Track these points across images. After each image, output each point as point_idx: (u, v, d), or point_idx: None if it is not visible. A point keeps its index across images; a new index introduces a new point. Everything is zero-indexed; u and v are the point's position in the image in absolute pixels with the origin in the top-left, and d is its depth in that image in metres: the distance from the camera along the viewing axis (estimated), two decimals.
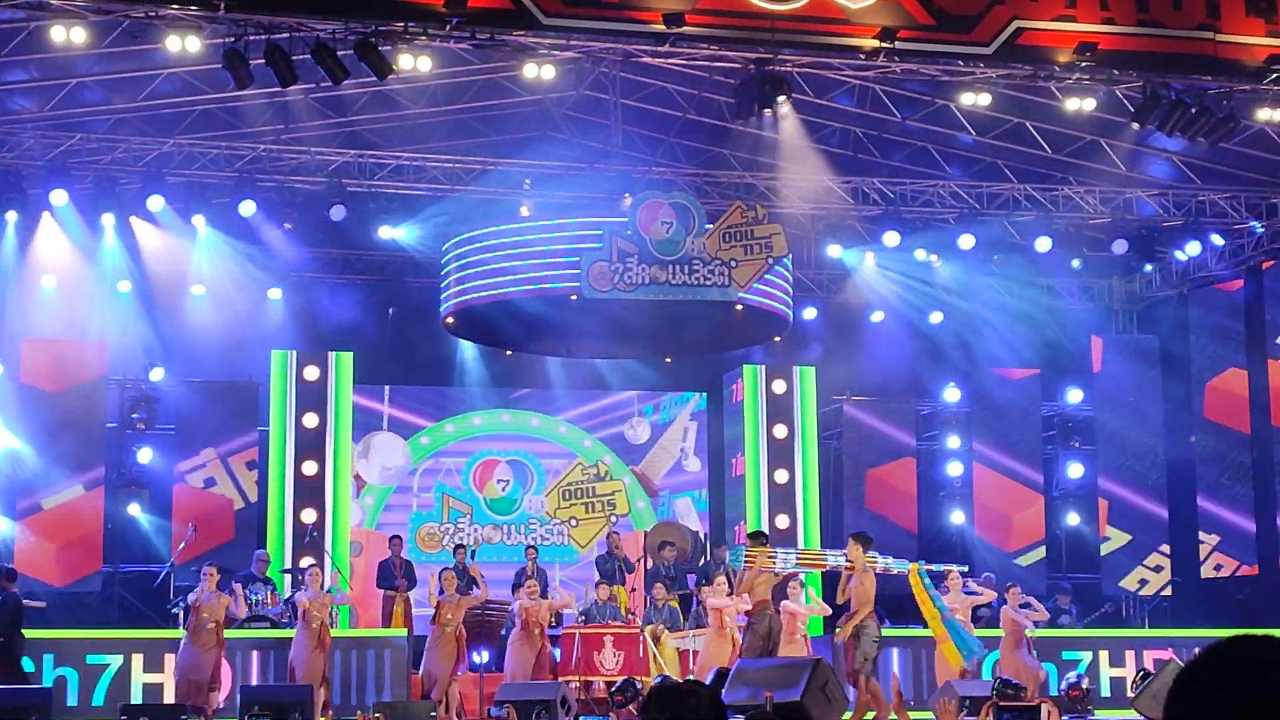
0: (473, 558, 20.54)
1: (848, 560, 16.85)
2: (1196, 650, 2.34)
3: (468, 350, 24.43)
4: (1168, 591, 24.68)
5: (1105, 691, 20.17)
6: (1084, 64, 17.44)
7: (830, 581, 20.28)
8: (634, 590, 21.04)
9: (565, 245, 20.08)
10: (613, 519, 24.51)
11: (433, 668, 18.03)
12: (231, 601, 17.84)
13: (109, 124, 21.22)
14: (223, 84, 18.31)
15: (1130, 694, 18.48)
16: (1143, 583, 24.72)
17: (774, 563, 17.08)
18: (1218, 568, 24.04)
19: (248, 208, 21.15)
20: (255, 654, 18.54)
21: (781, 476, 23.29)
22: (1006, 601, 19.12)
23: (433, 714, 16.74)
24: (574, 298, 19.89)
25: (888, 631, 21.19)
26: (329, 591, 18.37)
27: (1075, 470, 25.48)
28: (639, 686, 16.81)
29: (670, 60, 18.62)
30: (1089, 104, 18.91)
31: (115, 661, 18.21)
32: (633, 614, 20.09)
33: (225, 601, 17.59)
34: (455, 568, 19.84)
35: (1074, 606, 22.62)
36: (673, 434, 25.74)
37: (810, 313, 24.83)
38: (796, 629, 18.86)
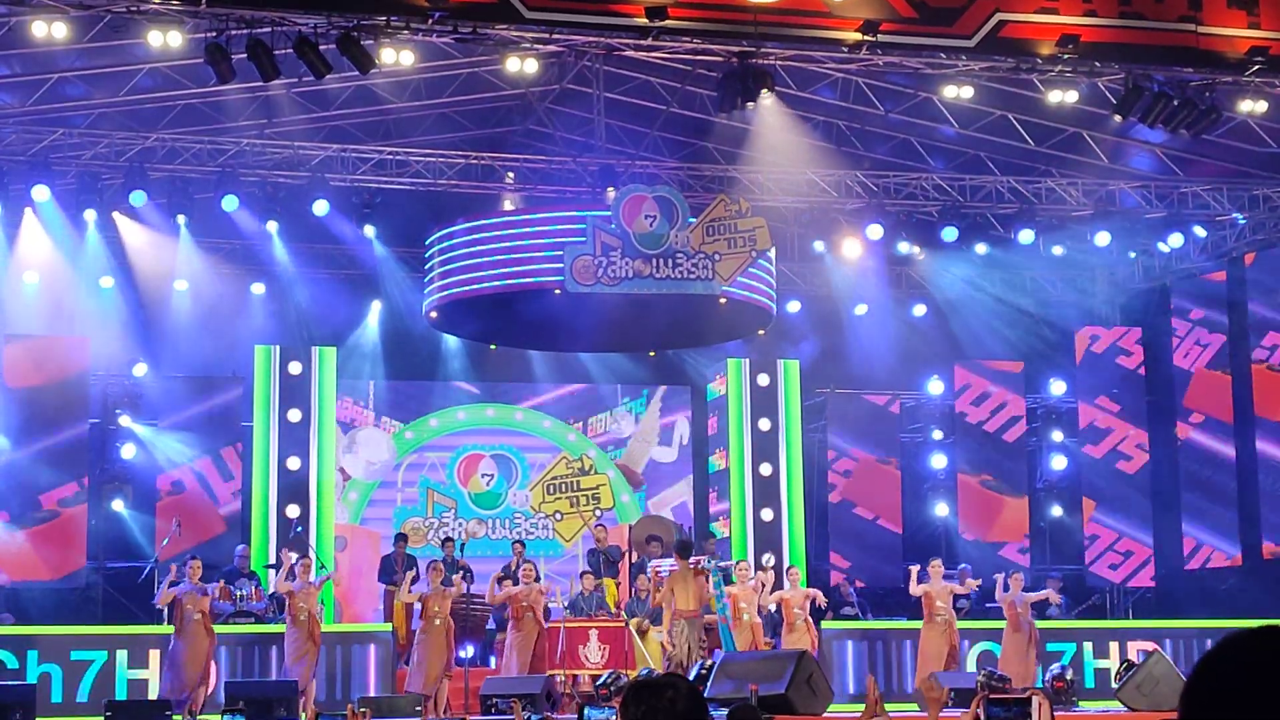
0: (461, 551, 20.55)
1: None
2: (1212, 643, 2.34)
3: (451, 344, 24.42)
4: (1152, 583, 24.74)
5: (1090, 683, 20.22)
6: (1066, 56, 17.45)
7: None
8: (621, 583, 21.06)
9: (548, 239, 20.06)
10: (597, 513, 24.49)
11: (422, 662, 18.02)
12: (211, 600, 17.75)
13: (91, 119, 21.16)
14: (205, 79, 18.29)
15: (1114, 685, 18.54)
16: (1127, 574, 24.77)
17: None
18: (1202, 559, 24.09)
19: (230, 203, 21.10)
20: (240, 649, 18.54)
21: (765, 469, 23.32)
22: (1010, 588, 19.24)
23: (418, 708, 16.74)
24: (557, 292, 19.87)
25: (872, 624, 21.32)
26: (313, 580, 18.34)
27: (1059, 462, 25.52)
28: (624, 679, 16.83)
29: (653, 54, 18.61)
30: (1071, 96, 18.94)
31: (99, 658, 18.18)
32: (619, 606, 20.16)
33: (207, 599, 17.55)
34: (445, 560, 19.88)
35: (1064, 598, 22.64)
36: (656, 427, 25.75)
37: (794, 306, 24.86)
38: (795, 617, 18.96)
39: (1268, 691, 2.19)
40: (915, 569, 19.39)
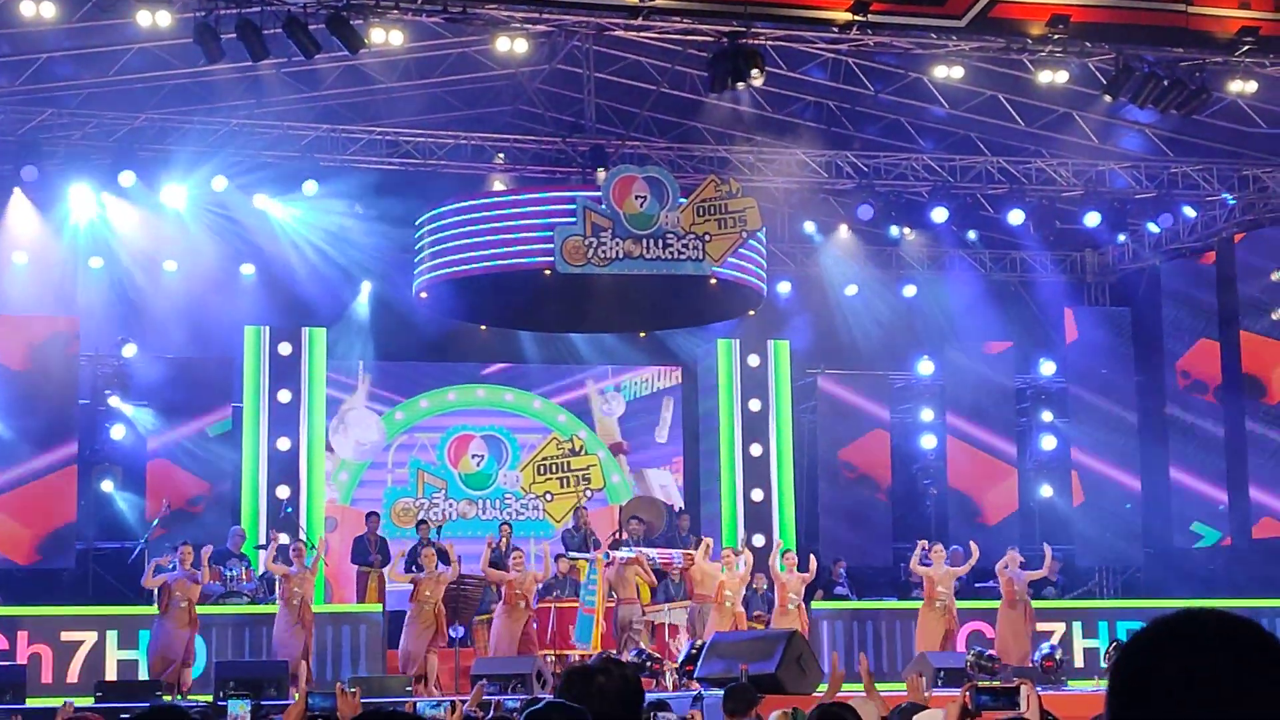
0: (438, 534, 20.51)
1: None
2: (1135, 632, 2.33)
3: (442, 325, 24.38)
4: (1141, 562, 24.79)
5: (1079, 662, 20.27)
6: (1056, 36, 17.45)
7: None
8: (608, 565, 21.04)
9: (539, 220, 20.06)
10: (587, 493, 24.50)
11: (410, 644, 18.07)
12: (199, 574, 17.79)
13: (80, 99, 21.11)
14: (194, 59, 18.23)
15: (1103, 664, 18.59)
16: (1116, 554, 24.83)
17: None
18: (1191, 539, 24.15)
19: (220, 183, 21.07)
20: (230, 630, 18.55)
21: (756, 450, 23.33)
22: (1007, 564, 19.33)
23: (409, 688, 16.78)
24: (548, 272, 19.88)
25: (862, 604, 21.40)
26: (307, 565, 18.31)
27: (1048, 442, 25.56)
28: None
29: (643, 34, 18.60)
30: (1061, 76, 18.93)
31: (90, 638, 18.19)
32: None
33: (198, 587, 17.61)
34: (419, 543, 19.87)
35: (1060, 577, 22.70)
36: (647, 408, 25.74)
37: (784, 286, 24.85)
38: (787, 600, 18.95)
39: (1188, 679, 2.17)
40: (923, 545, 19.49)
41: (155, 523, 21.13)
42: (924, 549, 19.53)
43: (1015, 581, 19.27)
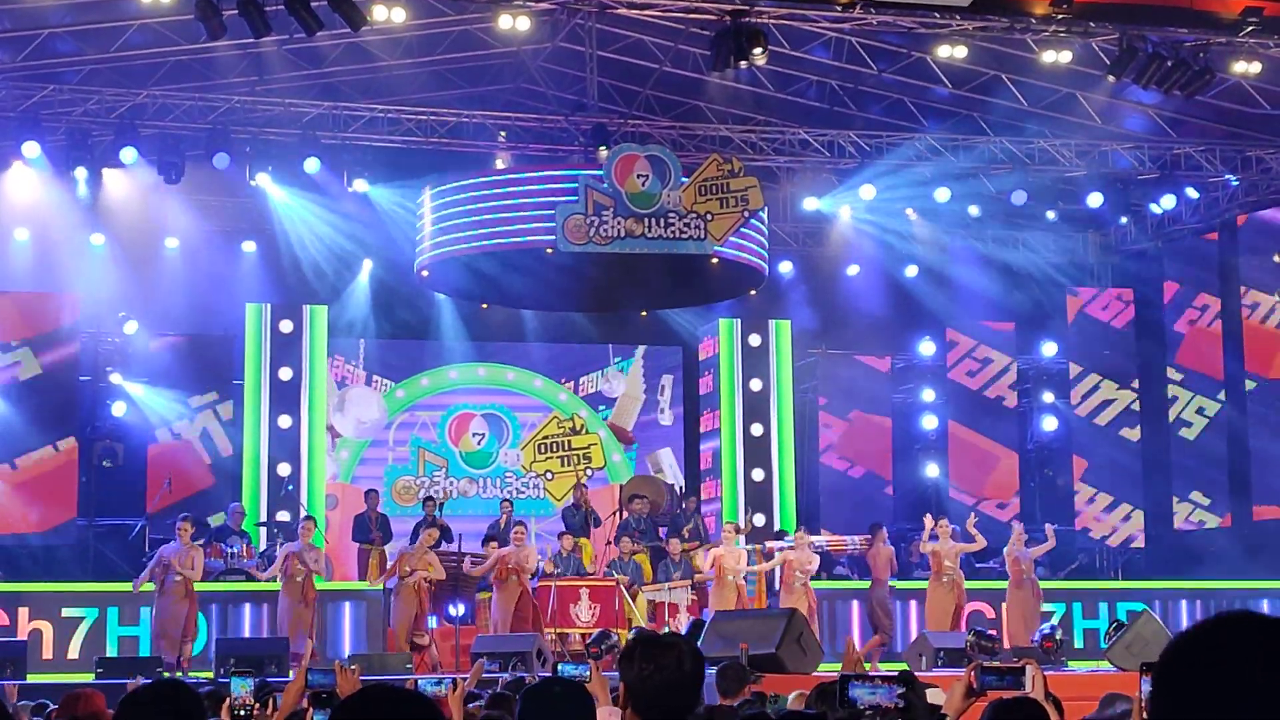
0: (441, 511, 20.54)
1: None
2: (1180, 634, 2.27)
3: (443, 303, 24.38)
4: (1141, 543, 24.80)
5: (1079, 643, 20.29)
6: (1060, 16, 17.42)
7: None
8: (608, 544, 21.08)
9: (540, 198, 20.02)
10: (587, 472, 24.52)
11: (395, 620, 18.12)
12: (201, 556, 17.82)
13: (81, 75, 21.06)
14: (196, 35, 18.19)
15: (1103, 645, 18.61)
16: (1116, 535, 24.83)
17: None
18: (1191, 520, 24.15)
19: (221, 160, 21.02)
20: (230, 606, 18.57)
21: (757, 429, 23.32)
22: (1013, 543, 19.36)
23: (408, 666, 16.80)
24: (549, 251, 19.85)
25: (862, 584, 21.39)
26: (315, 545, 18.31)
27: (1049, 423, 25.55)
28: (614, 638, 16.91)
29: (646, 12, 18.55)
30: (1065, 57, 18.90)
31: (91, 614, 18.22)
32: (596, 563, 20.23)
33: (197, 556, 17.62)
34: (425, 519, 19.88)
35: (1045, 559, 22.68)
36: (648, 387, 25.75)
37: (786, 266, 24.83)
38: (794, 577, 18.93)
39: (1239, 680, 2.14)
40: (929, 524, 19.46)
41: (156, 500, 21.15)
42: (931, 527, 19.48)
43: (1022, 560, 19.27)
